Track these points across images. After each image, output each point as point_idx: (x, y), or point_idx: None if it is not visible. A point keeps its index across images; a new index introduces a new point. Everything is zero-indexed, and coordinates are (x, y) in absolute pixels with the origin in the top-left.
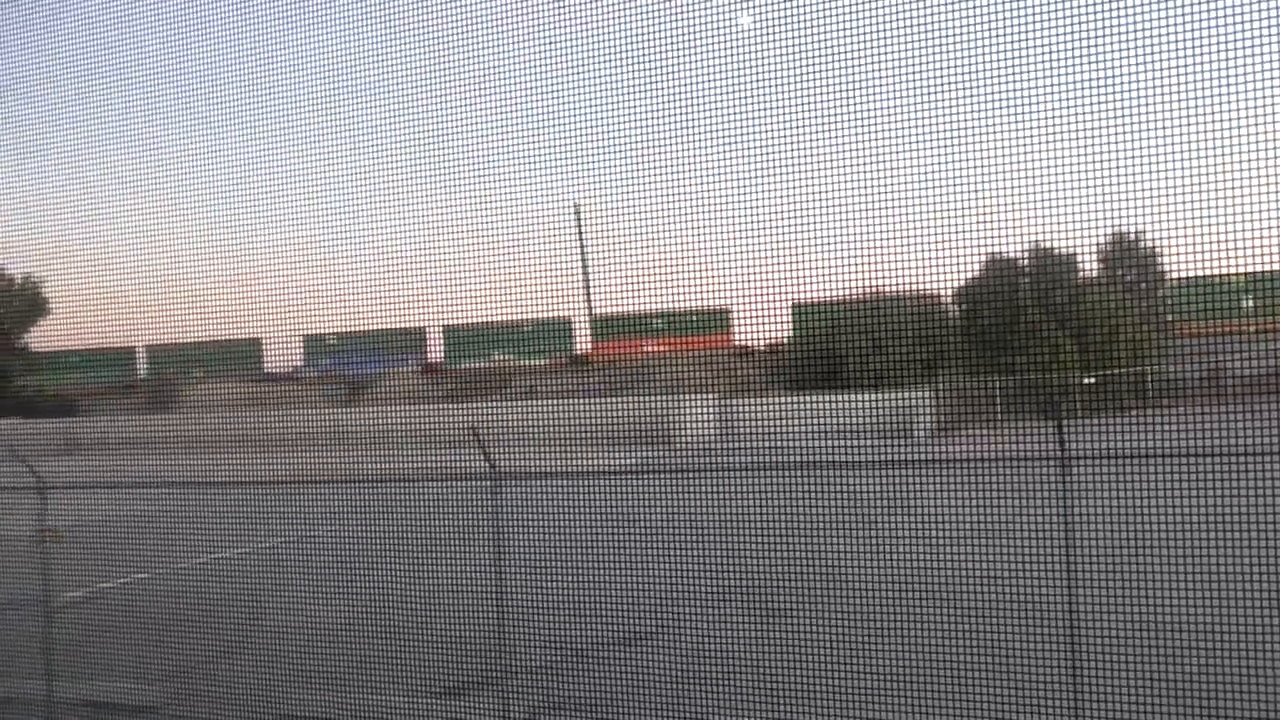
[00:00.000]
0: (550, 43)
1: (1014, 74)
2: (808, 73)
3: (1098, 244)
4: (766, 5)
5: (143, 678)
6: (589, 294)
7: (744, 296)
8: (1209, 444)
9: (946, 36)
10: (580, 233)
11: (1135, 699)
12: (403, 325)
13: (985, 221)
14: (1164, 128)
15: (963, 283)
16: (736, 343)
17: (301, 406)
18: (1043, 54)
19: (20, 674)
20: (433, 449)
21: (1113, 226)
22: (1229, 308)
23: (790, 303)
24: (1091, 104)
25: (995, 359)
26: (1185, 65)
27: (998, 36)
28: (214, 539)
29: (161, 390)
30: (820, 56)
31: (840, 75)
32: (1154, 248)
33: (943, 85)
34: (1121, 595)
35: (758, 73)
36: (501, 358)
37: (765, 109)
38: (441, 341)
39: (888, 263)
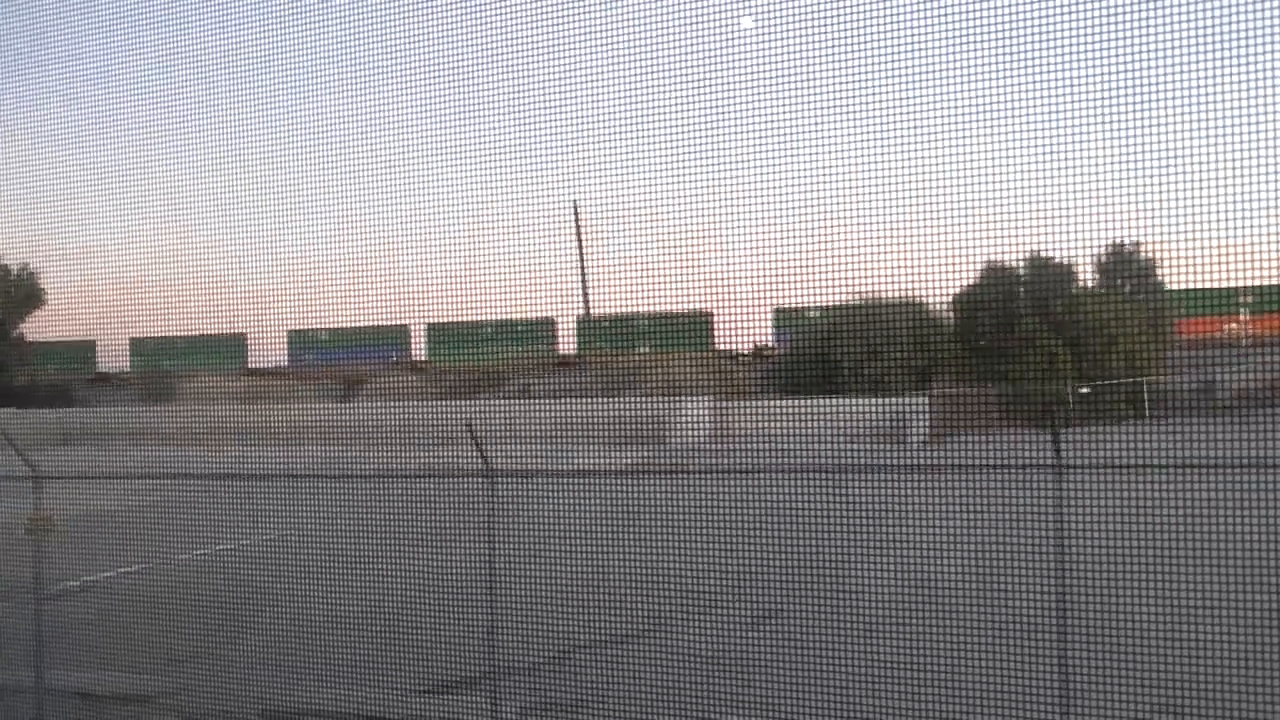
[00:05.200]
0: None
1: (1014, 83)
2: (808, 76)
3: (1095, 254)
4: (768, 7)
5: (133, 668)
6: (586, 292)
7: (737, 299)
8: (1202, 455)
9: (947, 45)
10: (578, 231)
11: (1125, 707)
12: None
13: (983, 230)
14: (1163, 139)
15: (959, 290)
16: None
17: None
18: (1043, 64)
19: (11, 663)
20: (429, 445)
21: (1110, 237)
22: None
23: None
24: (1092, 114)
25: (991, 367)
26: (1186, 76)
27: (1000, 46)
28: (206, 533)
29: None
30: (821, 61)
31: (840, 81)
32: (1151, 259)
33: (942, 94)
34: (1112, 604)
35: (759, 75)
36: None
37: (765, 111)
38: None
39: (885, 269)
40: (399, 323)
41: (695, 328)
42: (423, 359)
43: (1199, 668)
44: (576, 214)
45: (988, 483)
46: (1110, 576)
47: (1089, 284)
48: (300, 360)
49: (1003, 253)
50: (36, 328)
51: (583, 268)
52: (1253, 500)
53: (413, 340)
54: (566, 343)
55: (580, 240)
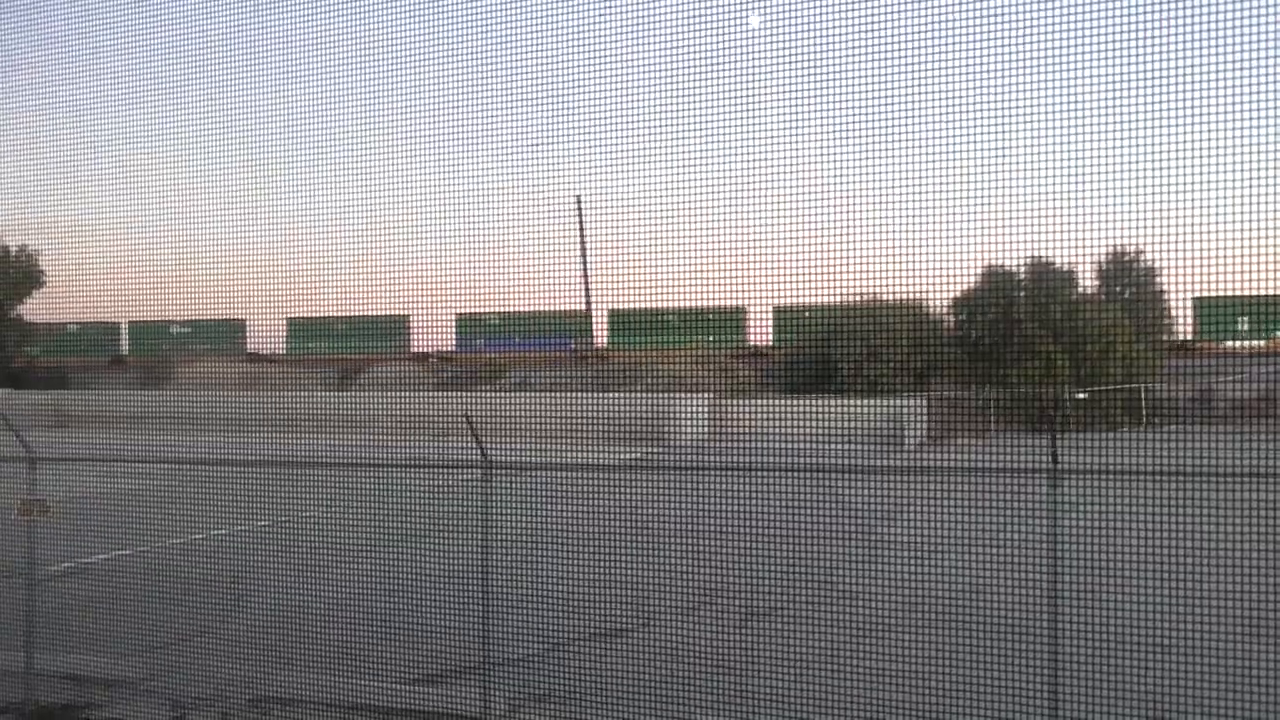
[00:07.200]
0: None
1: (1017, 88)
2: (813, 77)
3: (1096, 260)
4: (776, 7)
5: (122, 652)
6: (588, 286)
7: (742, 298)
8: (1198, 464)
9: (951, 48)
10: (581, 224)
11: (1115, 711)
12: None
13: (983, 233)
14: (1168, 146)
15: (959, 293)
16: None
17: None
18: (1046, 69)
19: (1, 645)
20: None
21: (1111, 243)
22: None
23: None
24: (1095, 120)
25: (990, 370)
26: (1188, 83)
27: (1003, 51)
28: (200, 518)
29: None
30: (826, 62)
31: (844, 83)
32: (1152, 266)
33: (945, 97)
34: (1103, 610)
35: (765, 74)
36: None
37: (771, 110)
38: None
39: (885, 271)
40: (578, 309)
41: None
42: (604, 346)
43: (1190, 674)
44: (580, 209)
45: (983, 486)
46: (1103, 582)
47: (1089, 289)
48: (469, 346)
49: (1003, 256)
50: (186, 306)
51: (585, 262)
52: (1248, 509)
53: (595, 327)
54: (760, 333)
55: (583, 235)
